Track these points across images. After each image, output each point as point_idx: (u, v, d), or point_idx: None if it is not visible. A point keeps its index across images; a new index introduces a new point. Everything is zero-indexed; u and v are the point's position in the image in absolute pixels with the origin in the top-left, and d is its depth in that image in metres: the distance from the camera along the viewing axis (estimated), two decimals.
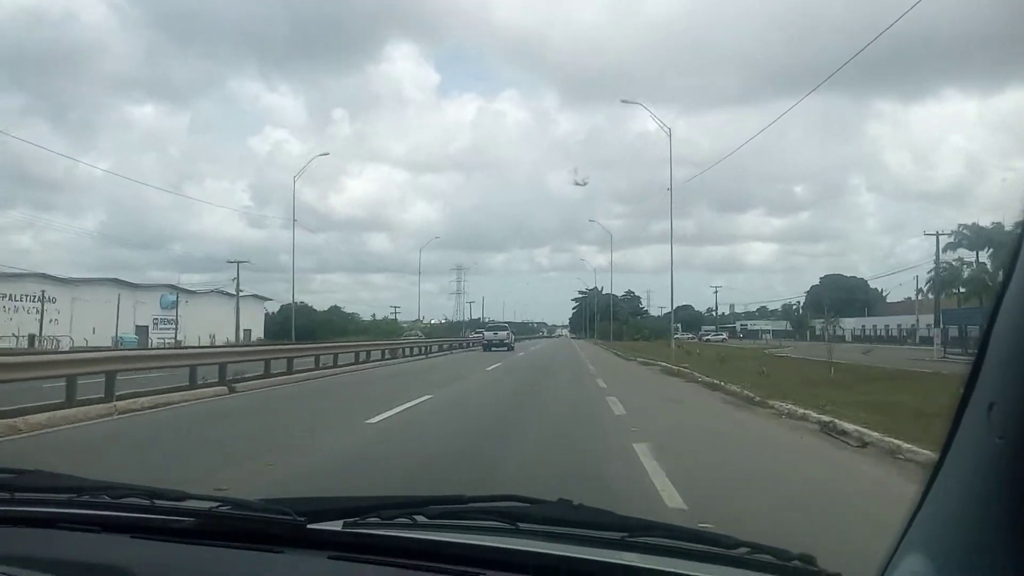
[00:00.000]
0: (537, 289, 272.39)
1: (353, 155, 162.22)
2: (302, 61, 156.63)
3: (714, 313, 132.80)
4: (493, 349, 45.04)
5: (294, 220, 44.84)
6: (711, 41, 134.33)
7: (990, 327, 0.84)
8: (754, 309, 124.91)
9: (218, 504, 1.53)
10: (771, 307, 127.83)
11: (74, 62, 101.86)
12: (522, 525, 1.40)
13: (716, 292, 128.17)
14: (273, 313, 75.05)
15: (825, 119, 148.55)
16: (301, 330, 55.11)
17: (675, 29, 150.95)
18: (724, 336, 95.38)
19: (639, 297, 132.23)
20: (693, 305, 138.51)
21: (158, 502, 1.54)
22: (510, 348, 46.47)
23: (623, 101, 40.12)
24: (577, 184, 63.95)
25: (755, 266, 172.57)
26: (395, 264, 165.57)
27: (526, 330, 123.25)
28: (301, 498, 1.56)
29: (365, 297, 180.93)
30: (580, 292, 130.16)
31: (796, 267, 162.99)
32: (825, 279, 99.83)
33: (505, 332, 50.14)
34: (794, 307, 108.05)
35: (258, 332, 66.94)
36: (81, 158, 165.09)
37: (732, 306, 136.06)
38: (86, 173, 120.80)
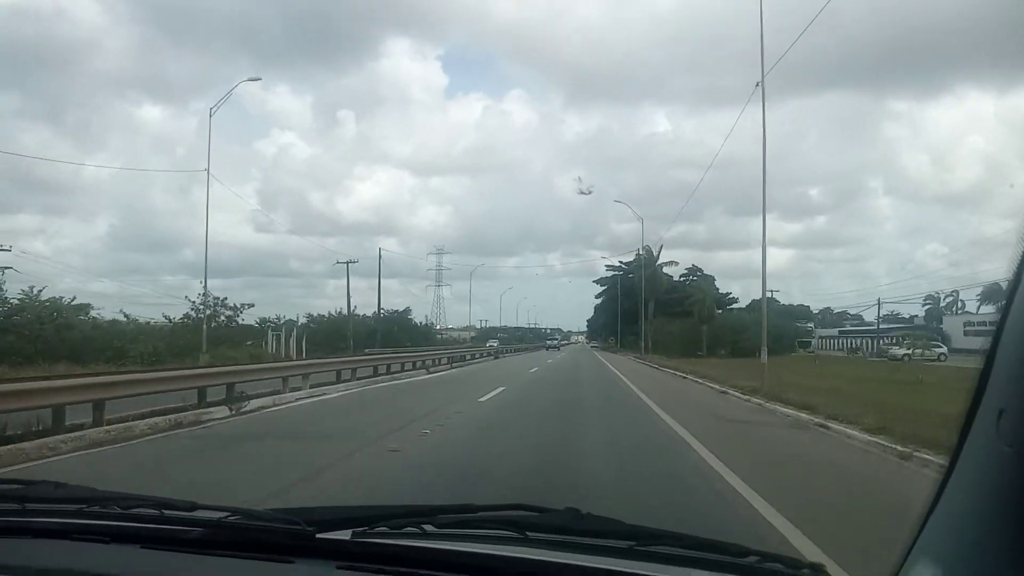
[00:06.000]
0: (550, 295, 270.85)
1: (359, 157, 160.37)
2: (303, 61, 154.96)
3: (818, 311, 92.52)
4: (549, 348, 79.16)
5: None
6: (720, 38, 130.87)
7: (999, 332, 0.84)
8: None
9: (228, 514, 1.53)
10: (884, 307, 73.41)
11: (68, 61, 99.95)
12: (530, 534, 1.41)
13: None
14: None
15: (841, 119, 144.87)
16: None
17: (685, 25, 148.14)
18: None
19: (712, 277, 71.87)
20: (778, 299, 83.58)
21: (168, 512, 1.55)
22: (558, 348, 79.89)
23: (616, 201, 47.76)
24: (582, 193, 63.44)
25: (770, 272, 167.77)
26: (405, 269, 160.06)
27: (539, 337, 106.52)
28: (310, 507, 1.56)
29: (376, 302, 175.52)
30: (609, 268, 79.58)
31: (812, 272, 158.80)
32: None
33: (557, 340, 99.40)
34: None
35: None
36: (85, 160, 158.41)
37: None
38: (92, 176, 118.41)
